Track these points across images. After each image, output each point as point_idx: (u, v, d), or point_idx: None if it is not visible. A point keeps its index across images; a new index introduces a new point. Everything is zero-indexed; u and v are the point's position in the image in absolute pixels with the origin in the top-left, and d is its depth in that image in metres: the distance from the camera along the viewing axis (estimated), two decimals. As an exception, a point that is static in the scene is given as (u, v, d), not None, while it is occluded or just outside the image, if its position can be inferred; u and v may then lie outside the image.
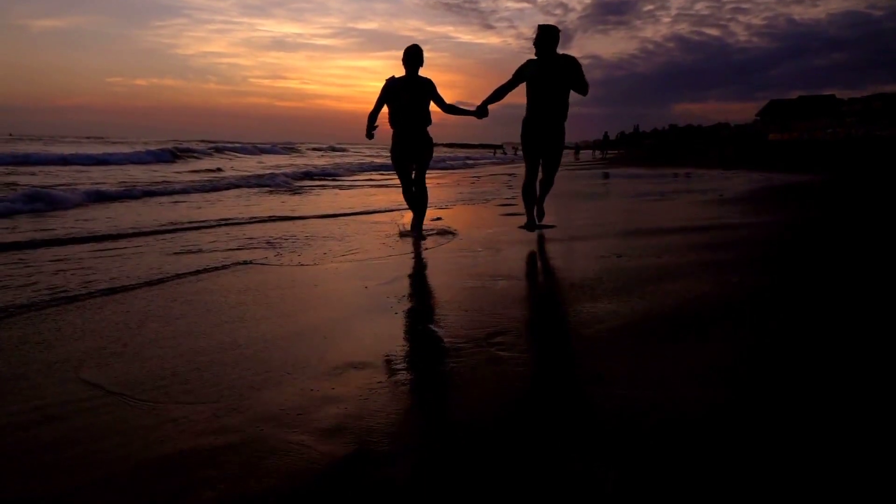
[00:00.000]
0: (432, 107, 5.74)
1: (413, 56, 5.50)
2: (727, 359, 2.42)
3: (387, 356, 2.59)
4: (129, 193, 10.23)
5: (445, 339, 2.77)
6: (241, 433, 1.89)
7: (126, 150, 30.83)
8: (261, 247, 5.33)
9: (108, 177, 14.53)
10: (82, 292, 3.68)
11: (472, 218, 7.61)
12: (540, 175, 5.78)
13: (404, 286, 3.88)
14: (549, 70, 5.32)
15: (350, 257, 4.90)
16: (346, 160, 31.33)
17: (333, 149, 49.50)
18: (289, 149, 45.49)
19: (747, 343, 2.61)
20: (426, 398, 2.19)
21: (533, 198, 5.78)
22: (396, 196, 12.17)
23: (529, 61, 5.41)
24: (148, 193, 10.50)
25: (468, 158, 35.24)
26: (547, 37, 5.27)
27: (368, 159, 31.06)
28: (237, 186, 13.03)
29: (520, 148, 5.65)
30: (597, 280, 3.85)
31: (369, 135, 5.79)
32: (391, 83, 5.48)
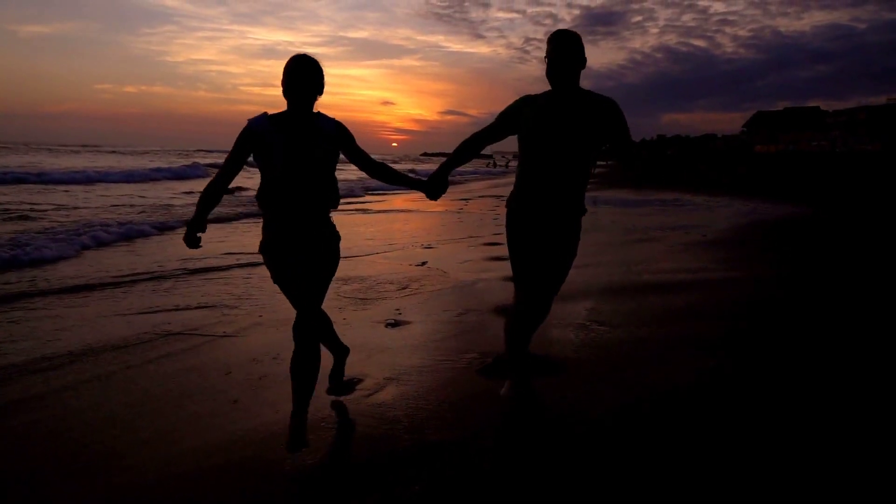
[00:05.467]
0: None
1: (303, 74, 2.66)
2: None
3: (355, 475, 2.60)
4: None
5: (420, 445, 2.77)
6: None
7: (143, 163, 32.72)
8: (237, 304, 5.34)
9: (150, 199, 15.90)
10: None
11: (457, 264, 7.61)
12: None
13: (373, 369, 3.80)
14: (565, 114, 2.92)
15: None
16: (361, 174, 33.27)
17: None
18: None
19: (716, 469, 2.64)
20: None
21: (524, 340, 3.27)
22: (425, 223, 12.14)
23: (528, 98, 3.04)
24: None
25: (456, 173, 35.30)
26: (567, 51, 2.85)
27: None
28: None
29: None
30: (575, 361, 3.89)
31: (192, 238, 2.77)
32: (257, 126, 2.70)
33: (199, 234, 2.77)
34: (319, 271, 2.85)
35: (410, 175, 3.28)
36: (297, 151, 2.69)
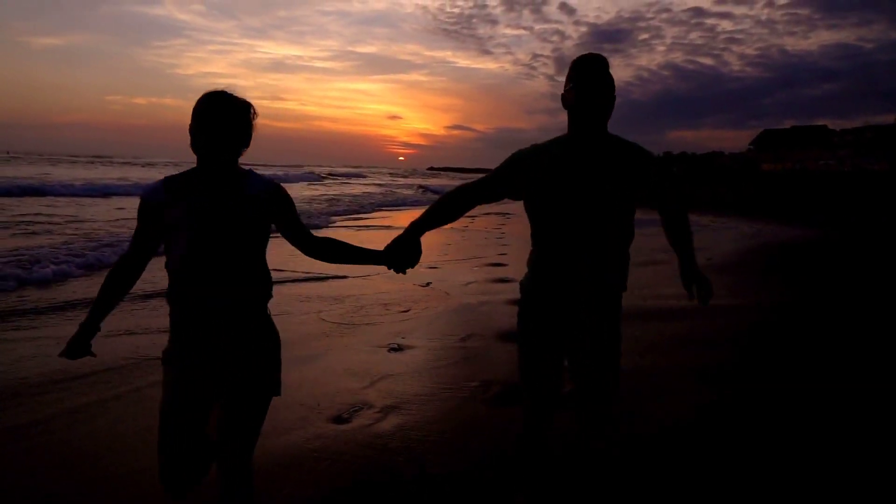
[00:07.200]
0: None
1: (220, 119, 1.85)
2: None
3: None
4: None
5: (421, 478, 2.77)
6: None
7: (155, 174, 33.54)
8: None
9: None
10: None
11: (461, 286, 7.61)
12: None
13: (375, 397, 3.80)
14: (594, 169, 2.12)
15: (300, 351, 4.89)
16: (378, 188, 39.85)
17: (344, 174, 52.81)
18: (310, 175, 49.58)
19: None
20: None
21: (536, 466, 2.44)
22: (429, 240, 12.02)
23: (535, 151, 2.20)
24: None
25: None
26: (606, 86, 2.09)
27: (399, 186, 34.92)
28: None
29: None
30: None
31: (80, 346, 2.00)
32: (152, 198, 1.93)
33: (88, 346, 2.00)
34: (246, 407, 1.98)
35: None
36: (208, 225, 1.88)
